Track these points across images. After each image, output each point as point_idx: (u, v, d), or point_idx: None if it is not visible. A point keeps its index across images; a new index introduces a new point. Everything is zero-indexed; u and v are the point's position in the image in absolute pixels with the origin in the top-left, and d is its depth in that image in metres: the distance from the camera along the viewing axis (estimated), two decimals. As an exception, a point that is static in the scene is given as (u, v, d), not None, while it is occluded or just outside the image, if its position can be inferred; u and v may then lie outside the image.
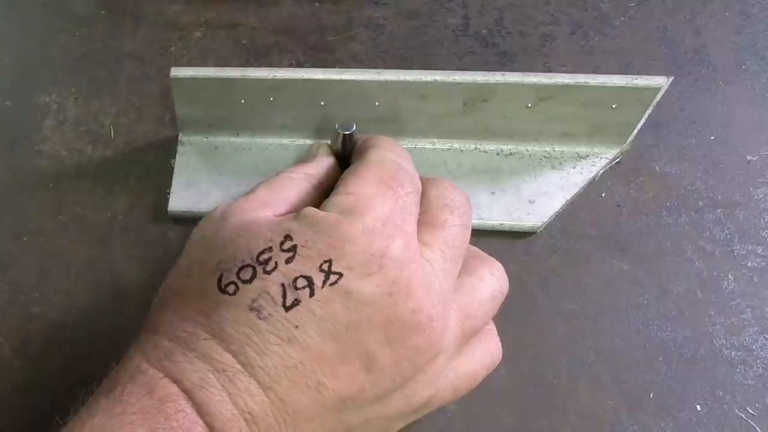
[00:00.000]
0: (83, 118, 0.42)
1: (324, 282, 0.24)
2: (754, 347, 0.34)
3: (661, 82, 0.35)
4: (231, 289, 0.24)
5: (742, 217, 0.38)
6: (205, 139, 0.40)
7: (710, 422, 0.32)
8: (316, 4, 0.46)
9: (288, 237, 0.25)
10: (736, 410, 0.32)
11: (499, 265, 0.30)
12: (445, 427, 0.32)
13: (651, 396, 0.33)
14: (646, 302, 0.35)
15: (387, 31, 0.45)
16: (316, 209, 0.26)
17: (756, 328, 0.34)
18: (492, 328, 0.30)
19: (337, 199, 0.26)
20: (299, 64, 0.44)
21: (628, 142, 0.38)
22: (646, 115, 0.37)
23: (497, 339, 0.30)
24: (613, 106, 0.36)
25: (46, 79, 0.43)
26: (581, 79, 0.35)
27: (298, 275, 0.24)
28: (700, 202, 0.38)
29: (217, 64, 0.44)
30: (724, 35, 0.44)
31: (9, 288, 0.36)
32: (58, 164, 0.40)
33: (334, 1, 0.46)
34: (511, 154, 0.39)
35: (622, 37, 0.44)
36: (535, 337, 0.34)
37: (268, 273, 0.24)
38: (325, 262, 0.24)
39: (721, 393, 0.33)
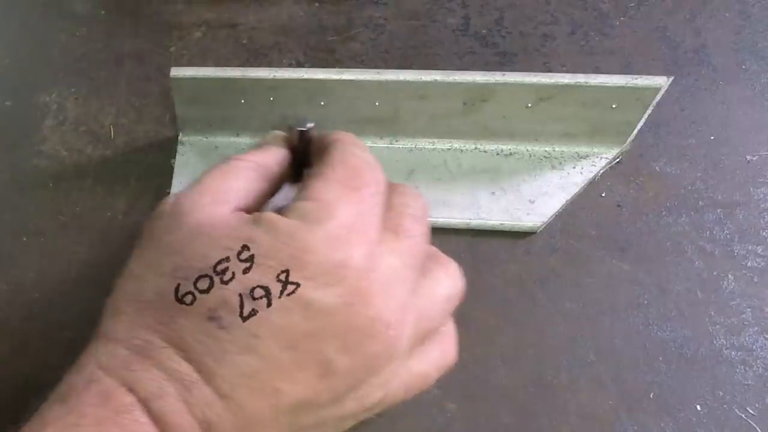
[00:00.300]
0: (83, 118, 0.42)
1: (281, 292, 0.24)
2: (754, 347, 0.34)
3: (661, 82, 0.35)
4: (188, 299, 0.24)
5: (742, 217, 0.38)
6: (205, 139, 0.40)
7: (710, 422, 0.32)
8: (316, 4, 0.46)
9: (245, 247, 0.24)
10: (736, 410, 0.32)
11: (455, 265, 0.29)
12: (445, 427, 0.32)
13: (651, 396, 0.33)
14: (646, 302, 0.35)
15: (387, 31, 0.45)
16: (277, 215, 0.25)
17: (756, 328, 0.34)
18: (449, 330, 0.30)
19: (299, 205, 0.26)
20: (299, 64, 0.44)
21: (628, 142, 0.38)
22: (646, 115, 0.37)
23: (454, 341, 0.30)
24: (613, 106, 0.36)
25: (46, 79, 0.43)
26: (581, 79, 0.35)
27: (255, 285, 0.24)
28: (700, 202, 0.38)
29: (217, 64, 0.44)
30: (724, 35, 0.44)
31: (9, 288, 0.36)
32: (58, 164, 0.40)
33: (334, 1, 0.46)
34: (511, 154, 0.39)
35: (622, 37, 0.44)
36: (535, 337, 0.34)
37: (226, 283, 0.24)
38: (282, 272, 0.24)
39: (721, 393, 0.33)
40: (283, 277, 0.24)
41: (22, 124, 0.42)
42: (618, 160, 0.39)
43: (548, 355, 0.34)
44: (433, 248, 0.30)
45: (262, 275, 0.24)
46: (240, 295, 0.24)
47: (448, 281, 0.28)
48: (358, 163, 0.27)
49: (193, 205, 0.26)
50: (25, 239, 0.37)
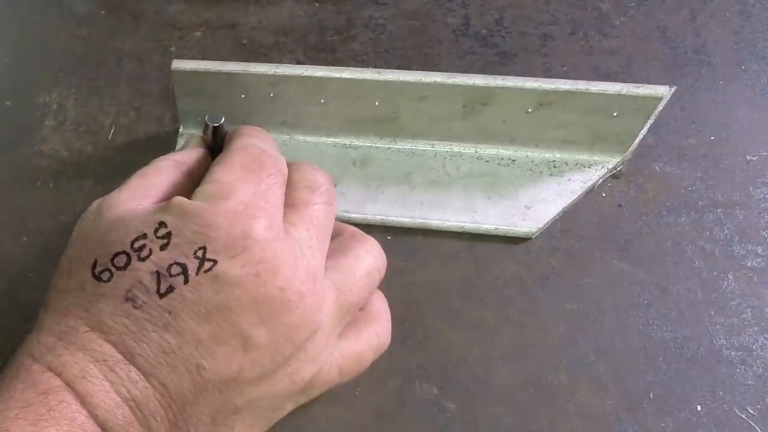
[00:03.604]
0: (83, 118, 0.42)
1: (198, 269, 0.25)
2: (754, 347, 0.34)
3: (663, 91, 0.35)
4: (105, 276, 0.25)
5: (742, 217, 0.38)
6: (205, 135, 0.40)
7: (710, 422, 0.32)
8: (316, 4, 0.46)
9: (162, 224, 0.26)
10: (736, 410, 0.32)
11: (374, 242, 0.30)
12: (445, 427, 0.32)
13: (651, 396, 0.33)
14: (646, 302, 0.35)
15: (387, 31, 0.45)
16: (183, 198, 0.27)
17: (756, 328, 0.34)
18: (383, 313, 0.31)
19: (204, 188, 0.27)
20: (299, 64, 0.44)
21: (629, 151, 0.38)
22: (647, 125, 0.36)
23: (387, 323, 0.31)
24: (614, 114, 0.36)
25: (46, 79, 0.43)
26: (582, 85, 0.35)
27: (172, 262, 0.25)
28: (700, 202, 0.38)
29: (217, 64, 0.44)
30: (724, 35, 0.44)
31: (9, 288, 0.36)
32: (58, 164, 0.40)
33: (334, 1, 0.46)
34: (510, 159, 0.39)
35: (622, 37, 0.44)
36: (535, 337, 0.34)
37: (143, 260, 0.25)
38: (199, 249, 0.25)
39: (721, 393, 0.33)
40: (200, 254, 0.25)
41: (22, 124, 0.42)
42: (618, 168, 0.39)
43: (548, 355, 0.34)
44: (353, 227, 0.31)
45: (179, 252, 0.25)
46: (157, 273, 0.25)
47: (368, 257, 0.30)
48: (257, 150, 0.29)
49: (114, 202, 0.28)
50: (25, 239, 0.37)
